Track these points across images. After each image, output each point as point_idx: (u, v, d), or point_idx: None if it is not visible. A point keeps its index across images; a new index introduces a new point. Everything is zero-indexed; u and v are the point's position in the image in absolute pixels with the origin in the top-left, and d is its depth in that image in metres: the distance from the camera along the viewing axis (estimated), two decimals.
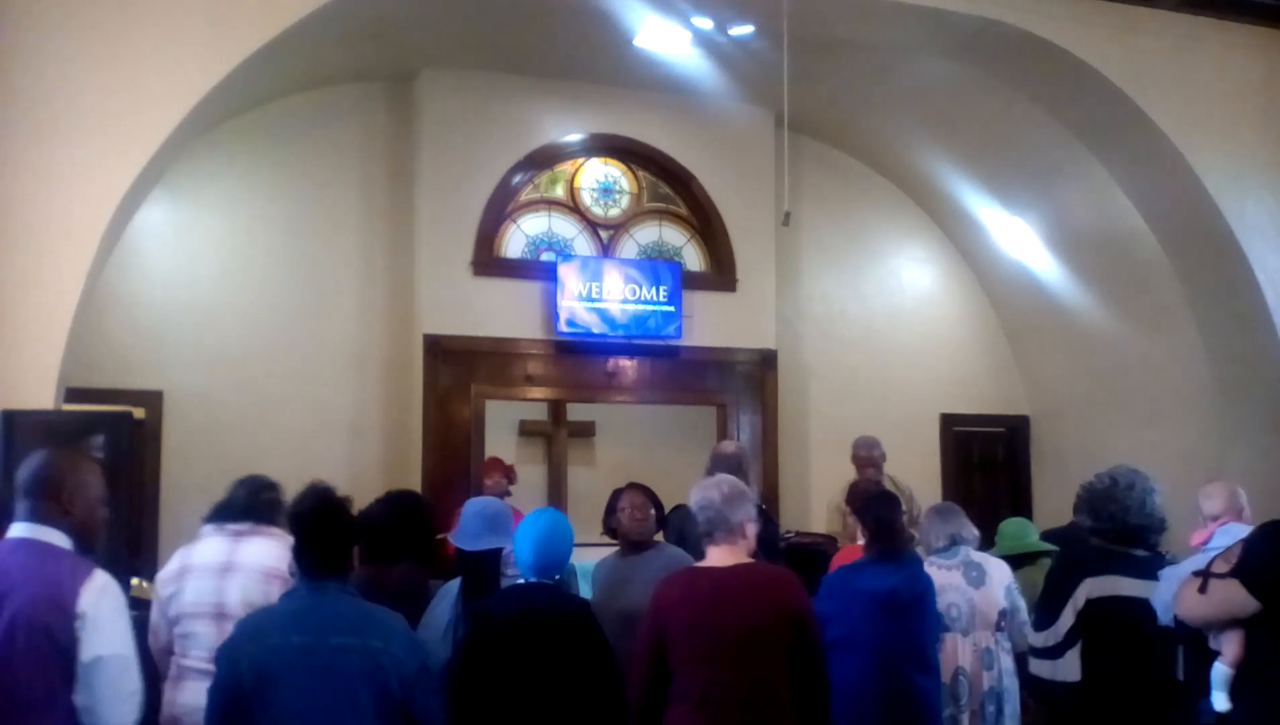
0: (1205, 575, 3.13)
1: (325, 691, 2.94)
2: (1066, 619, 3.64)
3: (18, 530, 2.89)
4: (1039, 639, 3.77)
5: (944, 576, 4.69)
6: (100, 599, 2.79)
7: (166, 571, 3.93)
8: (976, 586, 4.67)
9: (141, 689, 2.89)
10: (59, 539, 2.88)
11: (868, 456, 6.89)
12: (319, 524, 3.14)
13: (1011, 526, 5.39)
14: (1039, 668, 3.74)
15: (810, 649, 3.33)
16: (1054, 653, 3.68)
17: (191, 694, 3.55)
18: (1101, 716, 3.62)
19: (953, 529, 4.84)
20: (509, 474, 7.29)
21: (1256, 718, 3.06)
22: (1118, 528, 3.72)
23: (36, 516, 2.89)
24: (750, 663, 3.26)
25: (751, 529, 3.48)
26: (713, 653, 3.29)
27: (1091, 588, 3.63)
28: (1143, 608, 3.61)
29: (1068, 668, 3.63)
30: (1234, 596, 3.03)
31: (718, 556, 3.43)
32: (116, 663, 2.79)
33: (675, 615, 3.38)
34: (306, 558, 3.11)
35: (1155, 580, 3.67)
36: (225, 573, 3.79)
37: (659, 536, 4.78)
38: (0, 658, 2.70)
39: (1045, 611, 3.77)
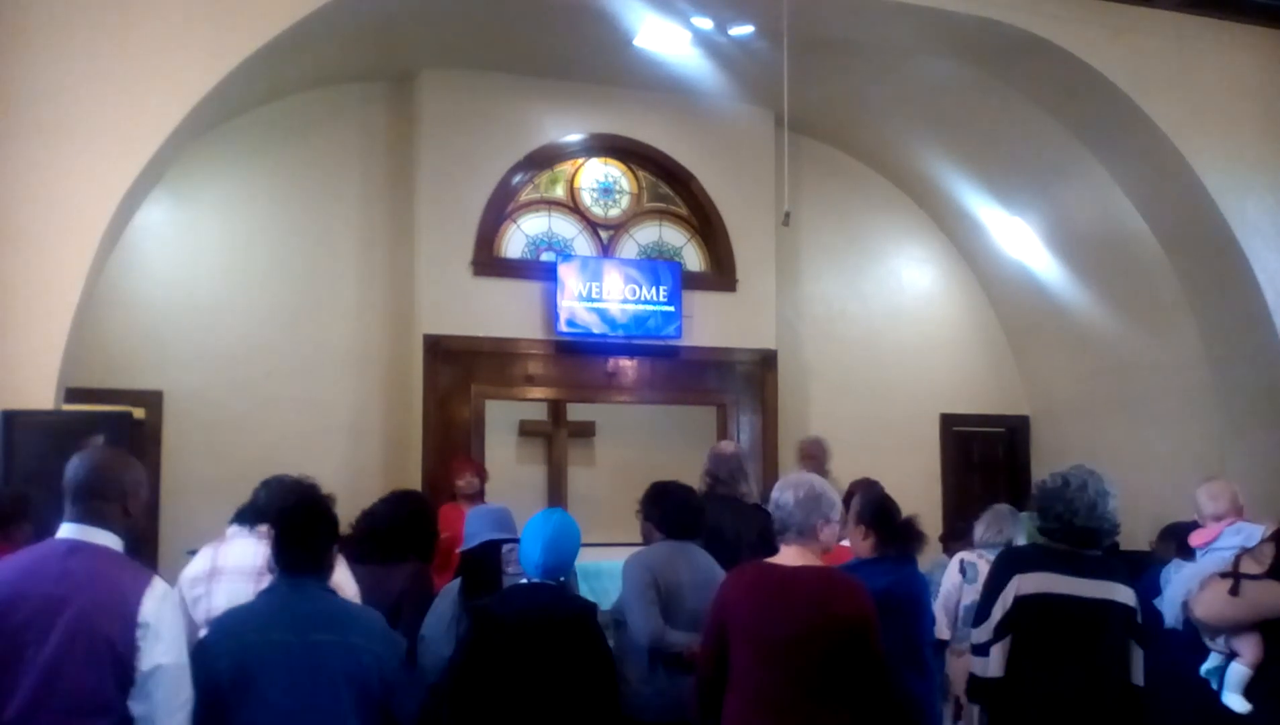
0: (1236, 576, 3.07)
1: (306, 689, 2.93)
2: (996, 614, 3.58)
3: (69, 532, 2.81)
4: (975, 634, 3.71)
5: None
6: (161, 607, 2.75)
7: (194, 571, 3.80)
8: None
9: (193, 697, 2.84)
10: (113, 542, 2.82)
11: (810, 452, 6.88)
12: (301, 522, 3.12)
13: (1030, 526, 5.39)
14: (974, 664, 3.69)
15: (868, 658, 3.28)
16: (985, 649, 3.65)
17: None
18: (1026, 714, 3.53)
19: (1009, 532, 4.98)
20: (480, 473, 7.27)
21: None
22: (1063, 528, 3.63)
23: (93, 518, 2.80)
24: (800, 664, 3.24)
25: (828, 532, 3.44)
26: (765, 649, 3.27)
27: (1021, 584, 3.55)
28: (1085, 608, 3.53)
29: (993, 663, 3.57)
30: (1271, 598, 2.98)
31: (787, 556, 3.41)
32: (174, 671, 2.75)
33: (736, 608, 3.37)
34: (287, 554, 3.09)
35: (1106, 581, 3.56)
36: (261, 575, 3.69)
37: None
38: (55, 662, 2.65)
39: (980, 607, 3.71)
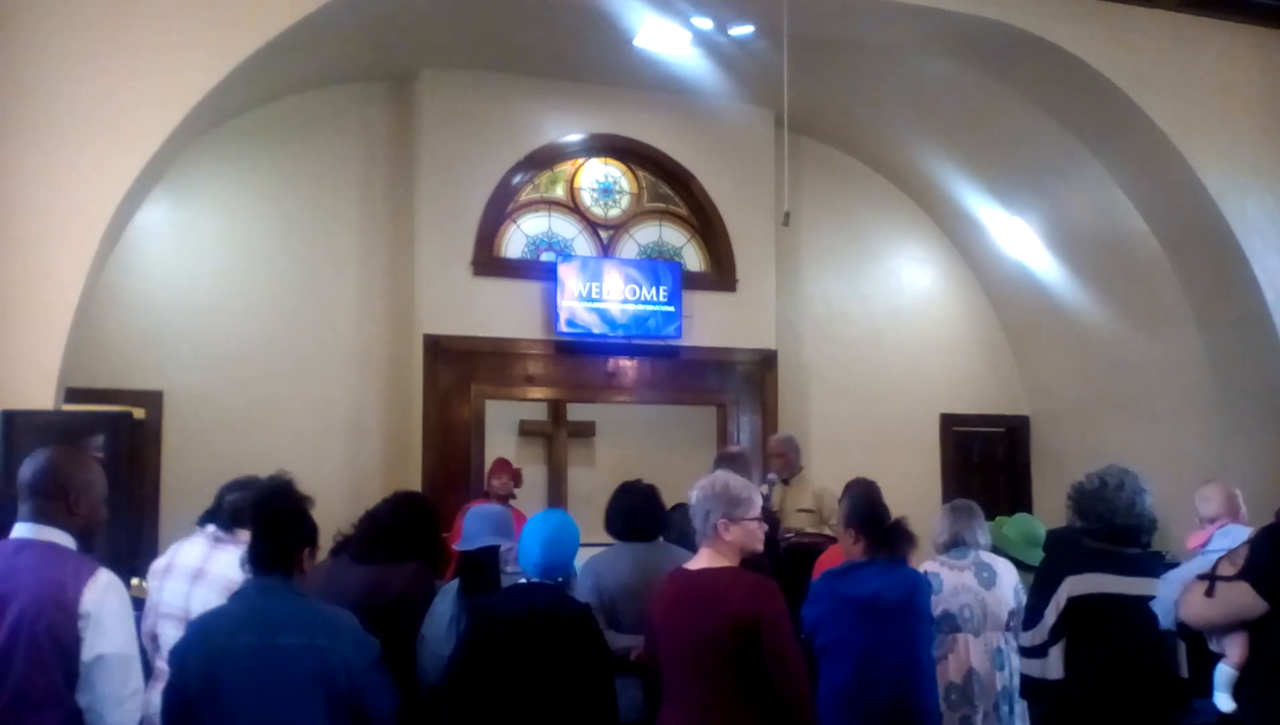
0: (1211, 578, 3.11)
1: (273, 691, 2.93)
2: (1049, 617, 3.64)
3: (21, 531, 2.87)
4: (1026, 638, 3.77)
5: (955, 577, 4.69)
6: (104, 598, 2.78)
7: (158, 564, 3.93)
8: (988, 587, 4.67)
9: (143, 688, 2.88)
10: (63, 539, 2.86)
11: (777, 451, 6.86)
12: (271, 517, 3.12)
13: (1026, 525, 5.31)
14: (1029, 666, 3.74)
15: (772, 657, 3.22)
16: (1039, 651, 3.68)
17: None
18: (1086, 713, 3.60)
19: (958, 528, 4.82)
20: (515, 476, 7.35)
21: (1265, 719, 3.06)
22: (1105, 528, 3.71)
23: (41, 516, 2.87)
24: (706, 665, 3.24)
25: (735, 532, 3.36)
26: (674, 652, 3.30)
27: (1073, 585, 3.62)
28: (1132, 605, 3.59)
29: (1053, 665, 3.63)
30: (1243, 599, 3.01)
31: (698, 559, 3.42)
32: (118, 661, 2.78)
33: (654, 613, 3.42)
34: (255, 550, 3.10)
35: (1148, 577, 3.64)
36: (196, 579, 3.78)
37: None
38: (3, 658, 2.69)
39: (1031, 610, 3.77)
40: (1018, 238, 9.30)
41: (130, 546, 6.28)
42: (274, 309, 8.06)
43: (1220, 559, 3.21)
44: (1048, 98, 7.98)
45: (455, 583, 3.97)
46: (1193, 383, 8.28)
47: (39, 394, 5.63)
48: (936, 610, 4.67)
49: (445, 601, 3.91)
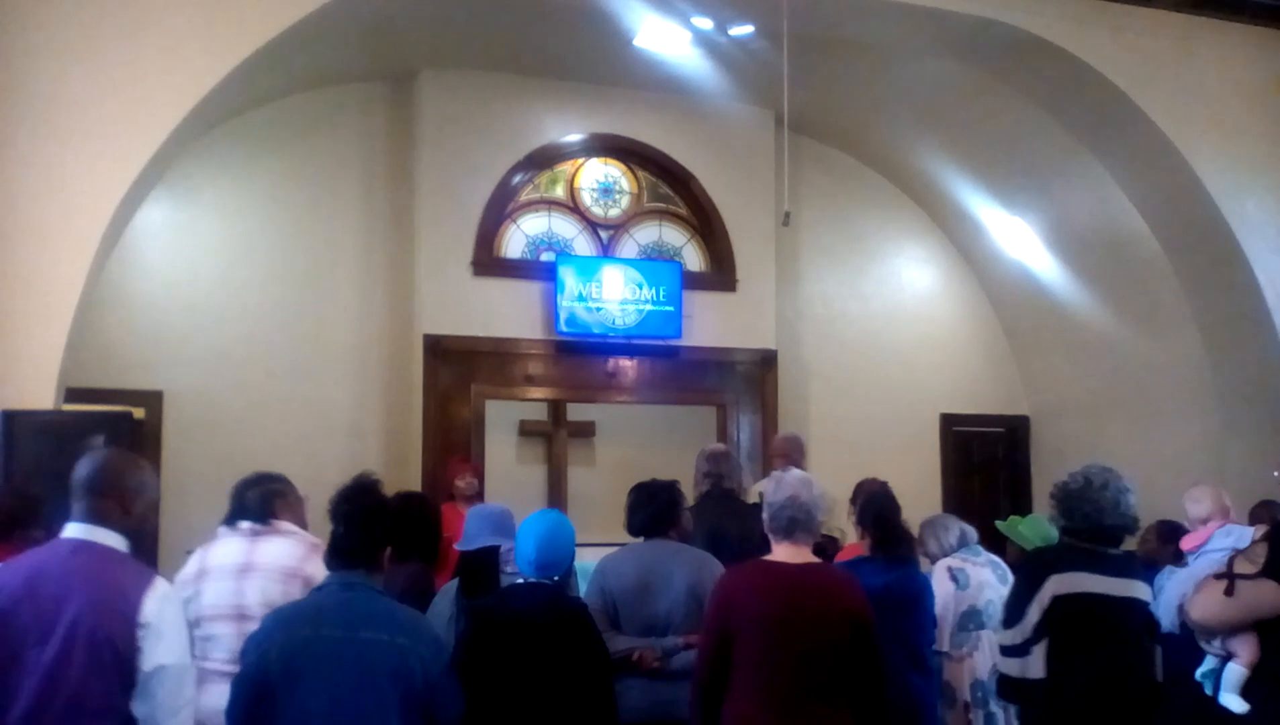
0: (1230, 577, 3.09)
1: (352, 684, 2.96)
2: (1032, 616, 3.60)
3: (74, 531, 2.84)
4: (1007, 636, 3.73)
5: (979, 573, 4.77)
6: (163, 607, 2.77)
7: (185, 573, 3.88)
8: (1004, 583, 4.71)
9: (194, 698, 2.86)
10: (116, 541, 2.84)
11: (783, 451, 6.84)
12: (360, 515, 3.14)
13: (1041, 526, 5.32)
14: (1008, 666, 3.69)
15: (867, 650, 3.36)
16: (1021, 650, 3.65)
17: (215, 697, 3.41)
18: (1068, 713, 3.58)
19: (962, 528, 4.96)
20: (479, 474, 7.33)
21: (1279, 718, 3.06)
22: (1091, 527, 3.66)
23: (95, 517, 2.83)
24: (810, 660, 3.30)
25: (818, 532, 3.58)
26: (779, 647, 3.31)
27: (1058, 584, 3.59)
28: (1113, 605, 3.57)
29: (1034, 664, 3.61)
30: (1267, 596, 3.00)
31: (789, 553, 3.45)
32: (176, 671, 2.77)
33: (744, 607, 3.39)
34: (342, 544, 3.12)
35: (1128, 578, 3.61)
36: (244, 573, 3.75)
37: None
38: (58, 663, 2.66)
39: (1013, 609, 3.73)
40: (1018, 238, 9.30)
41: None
42: (274, 309, 8.06)
43: (1234, 557, 3.18)
44: (1048, 98, 7.98)
45: (455, 583, 3.97)
46: (1193, 383, 8.28)
47: (39, 394, 5.63)
48: (963, 606, 4.72)
49: (444, 601, 3.92)
